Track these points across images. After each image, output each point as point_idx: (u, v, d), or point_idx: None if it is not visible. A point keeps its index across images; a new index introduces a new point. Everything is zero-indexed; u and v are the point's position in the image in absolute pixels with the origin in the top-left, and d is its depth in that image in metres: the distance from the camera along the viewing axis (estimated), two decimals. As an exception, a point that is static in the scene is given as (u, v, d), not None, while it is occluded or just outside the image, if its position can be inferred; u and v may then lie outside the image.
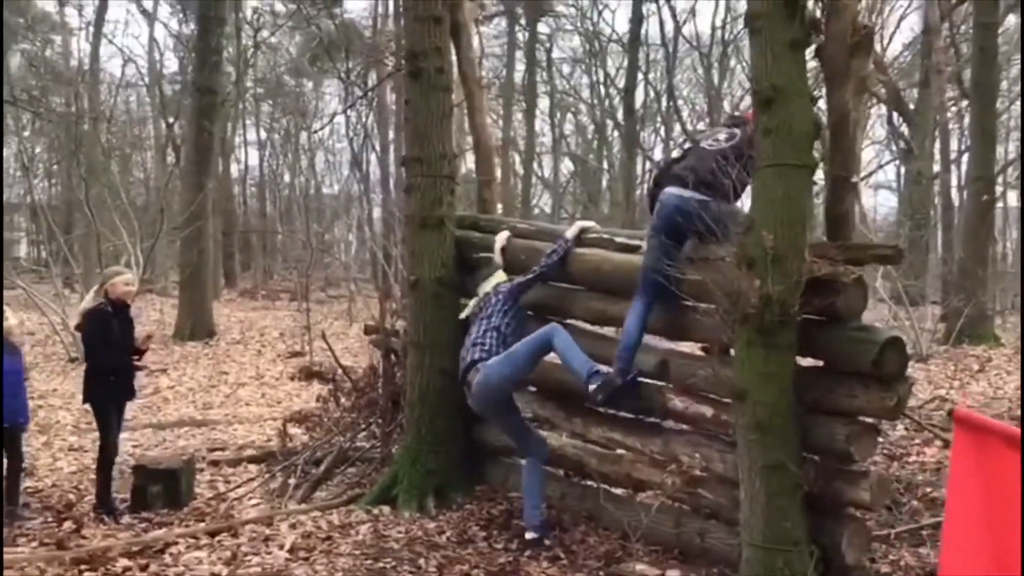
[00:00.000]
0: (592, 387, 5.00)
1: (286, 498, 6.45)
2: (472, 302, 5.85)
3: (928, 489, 6.34)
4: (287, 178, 35.16)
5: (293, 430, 7.68)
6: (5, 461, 6.05)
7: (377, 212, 25.83)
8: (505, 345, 5.36)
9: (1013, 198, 28.78)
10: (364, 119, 27.12)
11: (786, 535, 4.13)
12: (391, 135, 25.08)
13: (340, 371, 7.80)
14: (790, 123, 4.11)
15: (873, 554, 4.80)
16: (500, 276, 5.80)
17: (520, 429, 5.58)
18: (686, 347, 5.47)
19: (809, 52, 4.33)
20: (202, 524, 5.81)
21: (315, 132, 30.51)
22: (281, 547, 5.22)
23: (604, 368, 5.05)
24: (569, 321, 5.78)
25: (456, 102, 6.76)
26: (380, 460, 6.65)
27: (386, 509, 5.91)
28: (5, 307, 6.31)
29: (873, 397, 4.18)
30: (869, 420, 4.32)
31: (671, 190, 4.86)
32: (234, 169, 32.59)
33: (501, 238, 6.05)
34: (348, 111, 24.22)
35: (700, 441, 4.91)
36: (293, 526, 5.60)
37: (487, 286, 5.74)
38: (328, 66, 26.85)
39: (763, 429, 4.12)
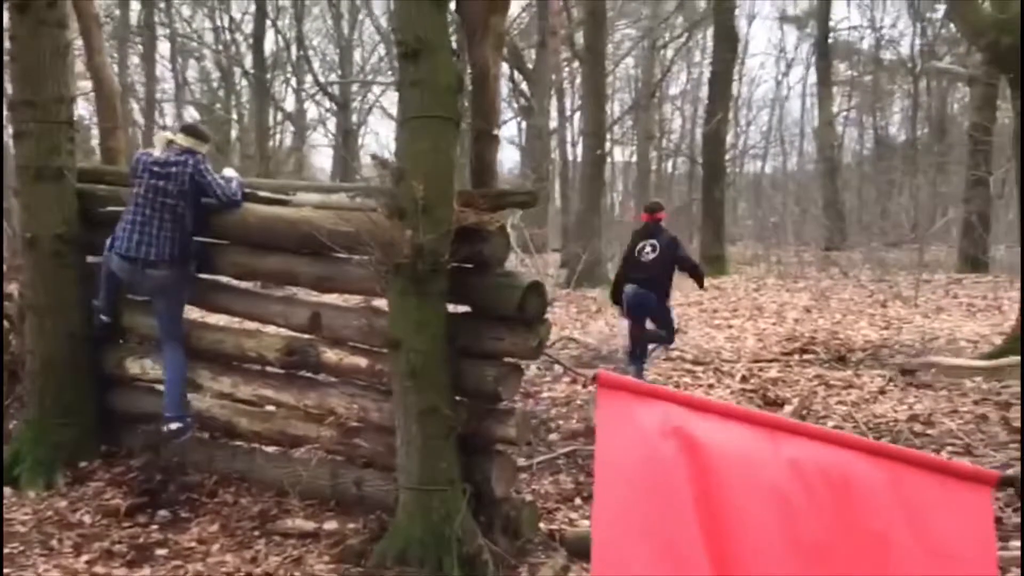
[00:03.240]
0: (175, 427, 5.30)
1: None
2: (162, 139, 5.36)
3: (560, 422, 6.89)
4: None
5: None
6: None
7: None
8: (184, 234, 5.22)
9: (619, 153, 31.67)
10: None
11: (441, 475, 4.28)
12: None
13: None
14: (435, 76, 4.17)
15: (518, 485, 5.13)
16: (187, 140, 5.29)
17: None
18: (338, 300, 5.45)
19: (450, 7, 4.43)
20: None
21: None
22: None
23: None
24: (216, 278, 5.51)
25: (71, 40, 6.11)
26: (-4, 439, 5.95)
27: (8, 491, 5.33)
28: None
29: (518, 339, 4.41)
30: (514, 361, 4.57)
31: None
32: None
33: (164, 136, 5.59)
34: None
35: (355, 392, 4.92)
36: None
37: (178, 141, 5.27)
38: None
39: (417, 375, 4.21)
